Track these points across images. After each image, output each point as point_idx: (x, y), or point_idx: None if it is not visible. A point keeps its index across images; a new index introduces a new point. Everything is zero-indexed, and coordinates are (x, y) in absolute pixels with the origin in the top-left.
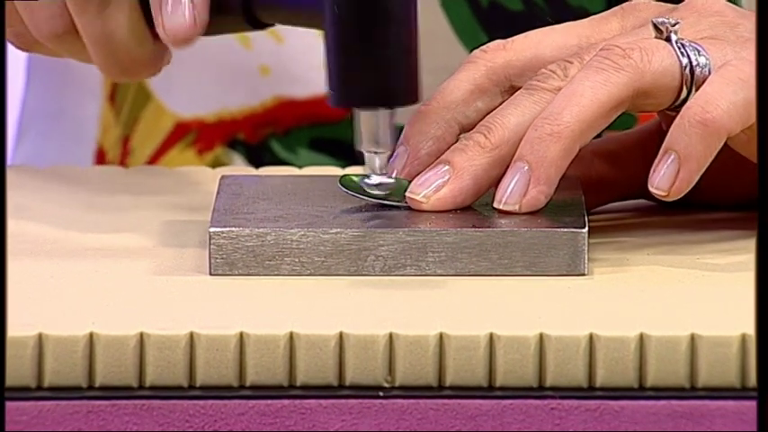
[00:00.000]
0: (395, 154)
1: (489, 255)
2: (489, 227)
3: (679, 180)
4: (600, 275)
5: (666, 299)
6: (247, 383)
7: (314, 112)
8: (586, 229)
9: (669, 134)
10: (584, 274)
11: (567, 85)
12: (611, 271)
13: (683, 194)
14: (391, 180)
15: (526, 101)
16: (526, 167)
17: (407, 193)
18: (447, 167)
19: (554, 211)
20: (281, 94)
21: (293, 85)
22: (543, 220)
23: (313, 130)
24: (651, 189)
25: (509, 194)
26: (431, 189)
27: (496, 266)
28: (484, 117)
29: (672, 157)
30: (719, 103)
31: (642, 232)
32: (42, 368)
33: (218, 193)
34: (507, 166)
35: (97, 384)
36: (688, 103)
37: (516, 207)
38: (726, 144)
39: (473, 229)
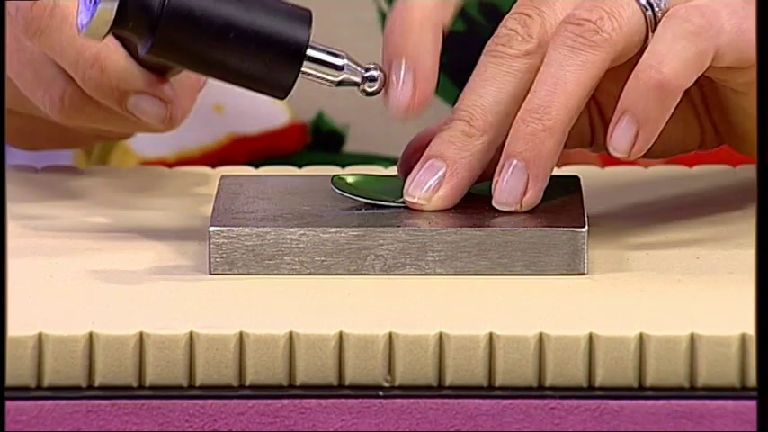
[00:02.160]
0: (399, 74)
1: (489, 254)
2: (489, 226)
3: (638, 142)
4: (600, 275)
5: (666, 298)
6: (247, 383)
7: (267, 147)
8: (586, 228)
9: (624, 95)
10: (583, 274)
11: (547, 69)
12: (610, 270)
13: (642, 154)
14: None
15: (498, 74)
16: (522, 165)
17: (406, 197)
18: (440, 163)
19: (554, 210)
20: (235, 131)
21: (246, 121)
22: (543, 220)
23: (267, 165)
24: (610, 150)
25: (509, 195)
26: (428, 189)
27: (496, 266)
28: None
29: (628, 119)
30: (671, 62)
31: (642, 232)
32: (42, 368)
33: (217, 192)
34: (497, 149)
35: (97, 384)
36: (639, 64)
37: (517, 207)
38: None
39: (473, 228)
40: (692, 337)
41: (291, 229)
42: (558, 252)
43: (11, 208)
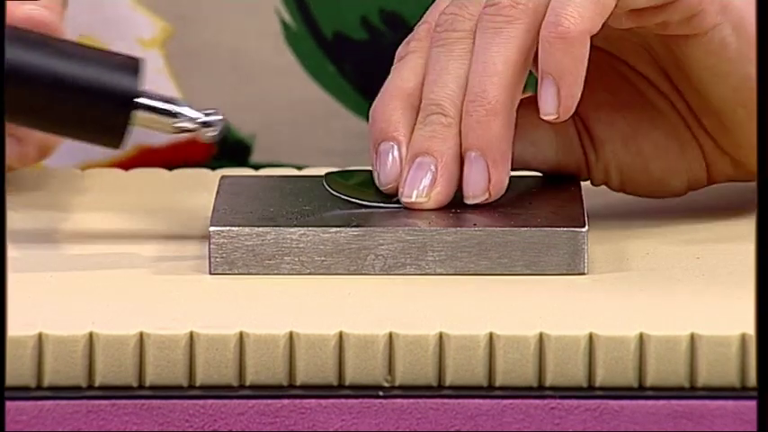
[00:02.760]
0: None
1: (489, 254)
2: (489, 226)
3: (562, 99)
4: (600, 275)
5: (666, 298)
6: (247, 383)
7: (174, 158)
8: (586, 228)
9: (539, 58)
10: (584, 274)
11: (475, 55)
12: (611, 270)
13: (572, 111)
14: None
15: (451, 60)
16: (478, 155)
17: (403, 200)
18: (429, 159)
19: (554, 210)
20: (142, 143)
21: (153, 133)
22: (543, 220)
23: None
24: (542, 116)
25: (475, 186)
26: (424, 187)
27: (496, 266)
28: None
29: (546, 79)
30: (568, 12)
31: (642, 232)
32: (42, 368)
33: (217, 192)
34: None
35: (97, 384)
36: (542, 25)
37: (486, 196)
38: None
39: (473, 228)
40: (693, 337)
41: (291, 229)
42: (559, 252)
43: (11, 208)
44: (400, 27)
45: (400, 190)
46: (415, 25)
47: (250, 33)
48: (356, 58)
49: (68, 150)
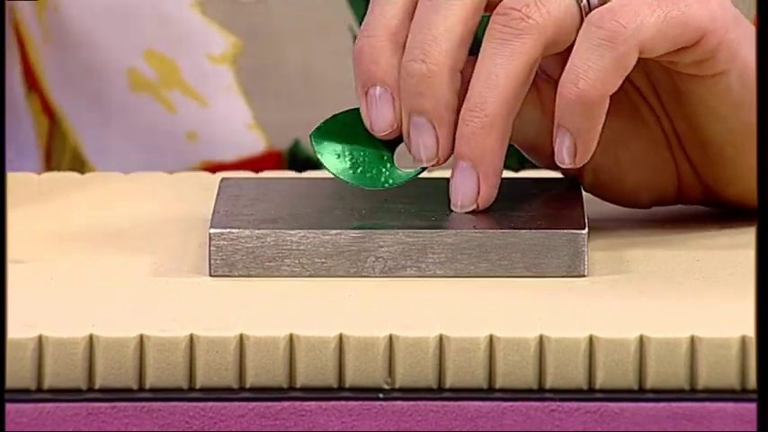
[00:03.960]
0: (374, 96)
1: (489, 256)
2: (489, 228)
3: (578, 153)
4: (600, 277)
5: (666, 300)
6: (247, 385)
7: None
8: (586, 230)
9: (556, 110)
10: (584, 276)
11: (479, 64)
12: (611, 272)
13: (586, 161)
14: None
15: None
16: (469, 165)
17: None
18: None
19: (554, 212)
20: (210, 159)
21: (221, 148)
22: (543, 221)
23: None
24: (558, 163)
25: (464, 197)
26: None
27: (496, 267)
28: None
29: (562, 132)
30: (588, 74)
31: (643, 233)
32: (42, 370)
33: (217, 194)
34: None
35: (97, 386)
36: (561, 80)
37: (474, 206)
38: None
39: (473, 230)
40: (693, 340)
41: (292, 231)
42: (559, 254)
43: (11, 211)
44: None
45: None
46: None
47: (322, 50)
48: None
49: (136, 165)
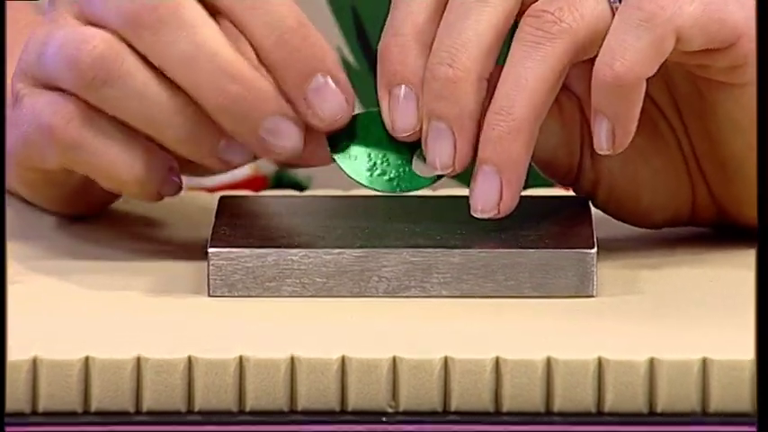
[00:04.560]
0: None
1: (495, 276)
2: (496, 247)
3: (617, 138)
4: (609, 297)
5: (678, 321)
6: (247, 408)
7: None
8: (595, 249)
9: (592, 94)
10: (592, 296)
11: (508, 67)
12: (620, 292)
13: (626, 146)
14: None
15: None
16: (493, 170)
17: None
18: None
19: (562, 231)
20: (194, 183)
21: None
22: (551, 240)
23: None
24: (597, 150)
25: (485, 202)
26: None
27: (503, 288)
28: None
29: (602, 119)
30: (624, 56)
31: (653, 253)
32: (37, 393)
33: (217, 213)
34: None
35: (93, 409)
36: (596, 62)
37: (494, 213)
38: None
39: (479, 249)
40: (705, 362)
41: (293, 251)
42: (567, 274)
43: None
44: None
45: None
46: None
47: None
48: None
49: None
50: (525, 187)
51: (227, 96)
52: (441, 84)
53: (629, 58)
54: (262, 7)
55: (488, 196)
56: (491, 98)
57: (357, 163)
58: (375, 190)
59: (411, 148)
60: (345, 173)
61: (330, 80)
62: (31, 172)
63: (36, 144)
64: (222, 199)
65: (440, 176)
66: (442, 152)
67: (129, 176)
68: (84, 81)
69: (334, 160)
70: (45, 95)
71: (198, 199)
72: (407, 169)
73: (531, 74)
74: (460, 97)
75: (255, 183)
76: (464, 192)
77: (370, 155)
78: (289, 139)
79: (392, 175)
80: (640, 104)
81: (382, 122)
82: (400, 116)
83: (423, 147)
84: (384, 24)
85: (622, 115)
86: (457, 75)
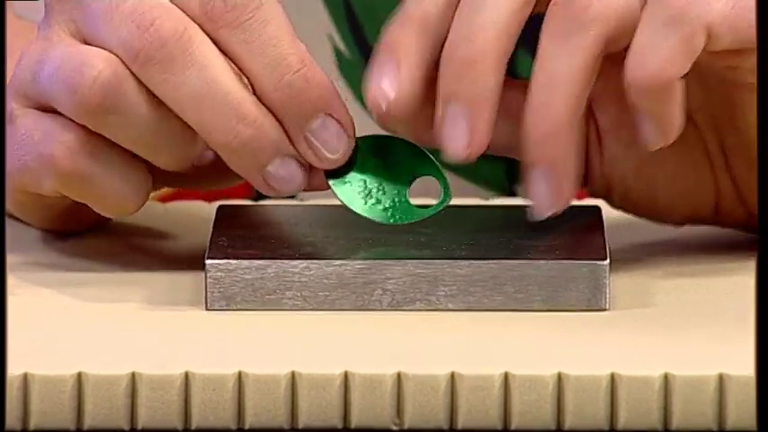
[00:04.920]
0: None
1: (504, 288)
2: (504, 258)
3: (664, 134)
4: (622, 310)
5: (693, 336)
6: (246, 426)
7: (215, 195)
8: (608, 260)
9: (630, 96)
10: (605, 309)
11: (540, 60)
12: (634, 306)
13: (675, 138)
14: None
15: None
16: (543, 173)
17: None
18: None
19: (573, 241)
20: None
21: None
22: (562, 252)
23: None
24: (647, 146)
25: (540, 205)
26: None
27: (512, 301)
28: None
29: (642, 116)
30: (654, 57)
31: (668, 263)
32: (28, 409)
33: (214, 222)
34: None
35: (86, 427)
36: (628, 62)
37: (554, 211)
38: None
39: (487, 260)
40: (721, 378)
41: (293, 262)
42: (578, 286)
43: None
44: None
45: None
46: None
47: None
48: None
49: None
50: (511, 185)
51: (237, 138)
52: (457, 64)
53: (659, 59)
54: (263, 46)
55: (544, 198)
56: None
57: (352, 190)
58: (368, 219)
59: (407, 178)
60: (340, 200)
61: (331, 120)
62: (24, 195)
63: (34, 172)
64: (220, 208)
65: (443, 205)
66: (457, 136)
67: (129, 204)
68: (86, 108)
69: (329, 186)
70: (43, 121)
71: (195, 208)
72: (403, 199)
73: (565, 68)
74: (478, 78)
75: (246, 187)
76: (470, 201)
77: (365, 182)
78: (291, 181)
79: (387, 205)
80: (681, 99)
81: (380, 149)
82: (381, 82)
83: (437, 132)
84: (376, 11)
85: (664, 113)
86: (474, 54)
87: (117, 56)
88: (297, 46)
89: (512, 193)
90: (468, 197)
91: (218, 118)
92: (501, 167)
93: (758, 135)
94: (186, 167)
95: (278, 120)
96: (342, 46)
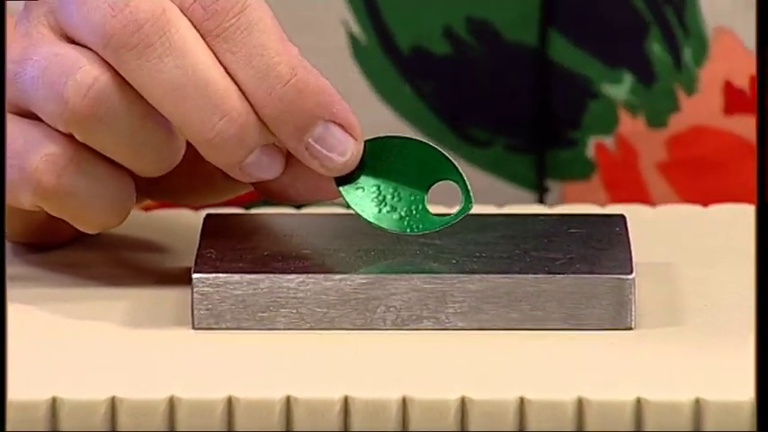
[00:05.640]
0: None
1: (520, 305)
2: (520, 272)
3: None
4: (649, 329)
5: (726, 358)
6: None
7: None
8: (633, 274)
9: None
10: (631, 328)
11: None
12: (662, 324)
13: None
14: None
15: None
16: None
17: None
18: None
19: (596, 254)
20: None
21: None
22: (583, 265)
23: None
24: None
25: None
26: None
27: (528, 319)
28: None
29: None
30: None
31: (699, 279)
32: None
33: (202, 233)
34: None
35: None
36: None
37: None
38: None
39: (500, 275)
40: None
41: (288, 276)
42: (601, 303)
43: None
44: (491, 39)
45: None
46: (506, 36)
47: (311, 47)
48: (437, 76)
49: None
50: (541, 182)
51: (218, 135)
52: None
53: None
54: (248, 56)
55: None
56: None
57: (365, 196)
58: (382, 229)
59: (426, 183)
60: (351, 207)
61: (333, 126)
62: None
63: (14, 185)
64: (208, 217)
65: (462, 214)
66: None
67: (112, 219)
68: (77, 118)
69: (337, 191)
70: (25, 129)
71: (181, 216)
72: (421, 207)
73: None
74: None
75: (245, 195)
76: (482, 209)
77: (379, 188)
78: (271, 168)
79: (403, 213)
80: None
81: (396, 151)
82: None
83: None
84: None
85: None
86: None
87: (89, 47)
88: (287, 51)
89: (542, 189)
90: (495, 194)
91: (197, 111)
92: (530, 161)
93: (758, 135)
94: (168, 169)
95: (273, 134)
96: (357, 30)
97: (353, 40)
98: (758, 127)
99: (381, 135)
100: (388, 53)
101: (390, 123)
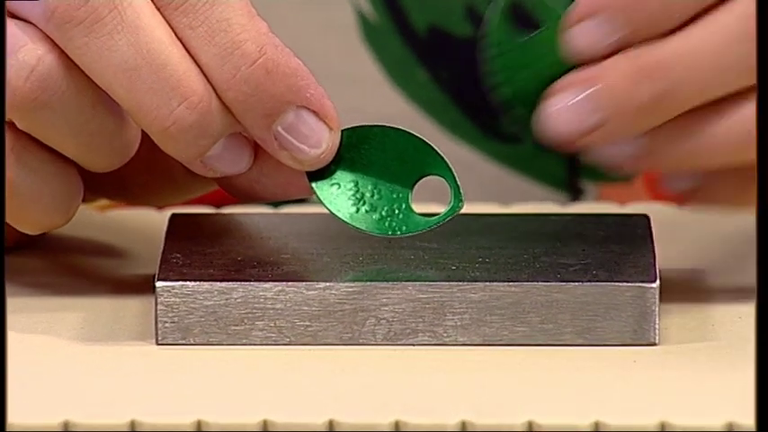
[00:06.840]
0: None
1: (528, 317)
2: (528, 280)
3: None
4: (675, 345)
5: (760, 378)
6: None
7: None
8: (657, 282)
9: None
10: (654, 344)
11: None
12: (689, 340)
13: None
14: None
15: None
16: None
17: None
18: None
19: (615, 259)
20: None
21: None
22: (601, 272)
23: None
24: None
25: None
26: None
27: (537, 333)
28: None
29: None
30: None
31: (730, 288)
32: None
33: (167, 235)
34: None
35: None
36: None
37: None
38: None
39: (506, 282)
40: None
41: (265, 285)
42: (621, 315)
43: None
44: (516, 19)
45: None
46: (538, 16)
47: (317, 28)
48: (456, 60)
49: None
50: (573, 180)
51: (176, 124)
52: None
53: None
54: (210, 32)
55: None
56: None
57: (339, 193)
58: (359, 231)
59: (410, 179)
60: (325, 206)
61: (306, 113)
62: None
63: None
64: (174, 217)
65: (451, 215)
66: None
67: (55, 219)
68: (18, 105)
69: (311, 187)
70: None
71: (142, 217)
72: (404, 206)
73: None
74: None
75: (217, 193)
76: (484, 209)
77: (357, 184)
78: (238, 161)
79: (384, 213)
80: None
81: (376, 143)
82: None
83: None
84: None
85: None
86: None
87: (32, 22)
88: (254, 26)
89: (575, 190)
90: (523, 196)
91: (152, 96)
92: (563, 161)
93: (758, 135)
94: (121, 164)
95: (238, 120)
96: (368, 8)
97: (364, 19)
98: (759, 127)
99: (360, 124)
100: (402, 34)
101: (403, 112)
